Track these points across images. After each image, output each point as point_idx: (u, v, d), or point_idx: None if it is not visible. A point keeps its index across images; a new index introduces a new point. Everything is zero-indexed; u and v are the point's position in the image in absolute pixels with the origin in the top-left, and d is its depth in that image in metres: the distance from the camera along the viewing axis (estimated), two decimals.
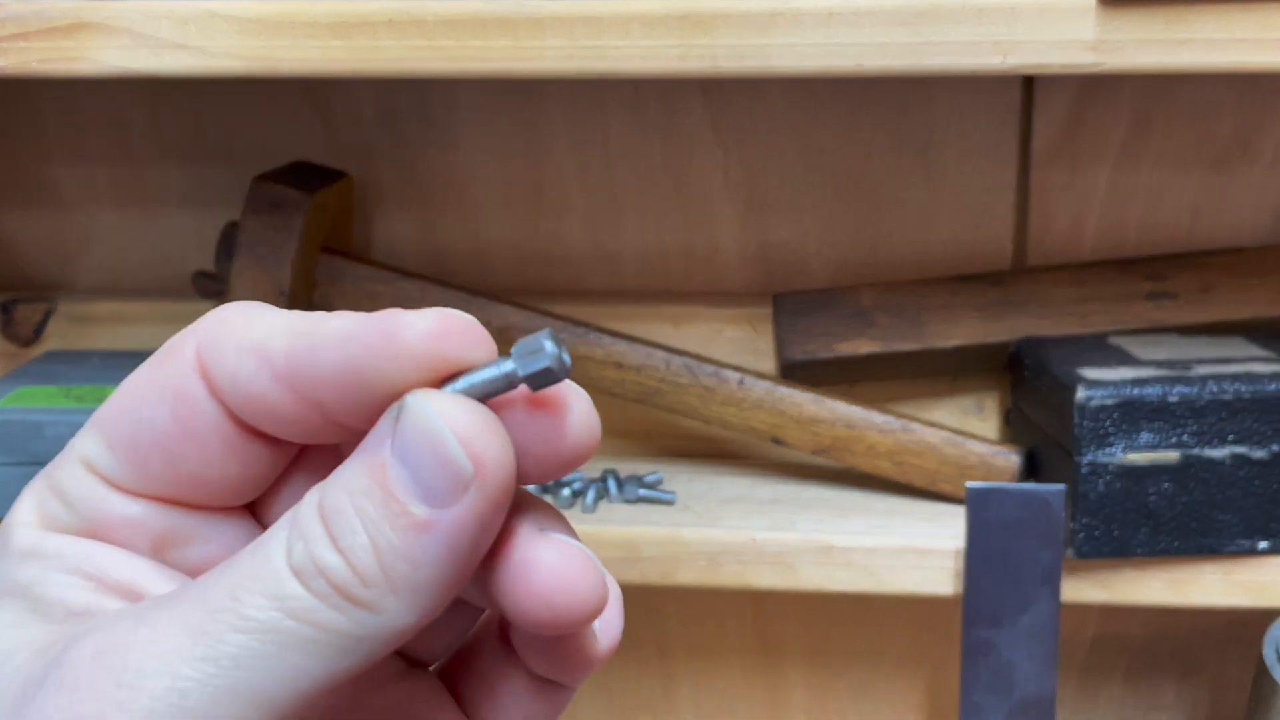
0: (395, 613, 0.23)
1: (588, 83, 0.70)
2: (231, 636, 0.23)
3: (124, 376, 0.75)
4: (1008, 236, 0.70)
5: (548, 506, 0.26)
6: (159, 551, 0.27)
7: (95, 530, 0.27)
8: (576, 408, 0.25)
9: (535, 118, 0.71)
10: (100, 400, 0.64)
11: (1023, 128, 0.69)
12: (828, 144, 0.70)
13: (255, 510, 0.28)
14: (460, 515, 0.23)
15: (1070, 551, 0.59)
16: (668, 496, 0.66)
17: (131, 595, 0.26)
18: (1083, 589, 0.61)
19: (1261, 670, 0.59)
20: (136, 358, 0.71)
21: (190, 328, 0.26)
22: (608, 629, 0.28)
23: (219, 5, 0.55)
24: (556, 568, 0.25)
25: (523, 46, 0.54)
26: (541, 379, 0.24)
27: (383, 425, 0.24)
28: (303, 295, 0.67)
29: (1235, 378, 0.58)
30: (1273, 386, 0.58)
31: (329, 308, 0.68)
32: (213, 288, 0.69)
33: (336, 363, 0.24)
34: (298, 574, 0.23)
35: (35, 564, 0.26)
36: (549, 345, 0.24)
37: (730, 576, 0.63)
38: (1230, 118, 0.68)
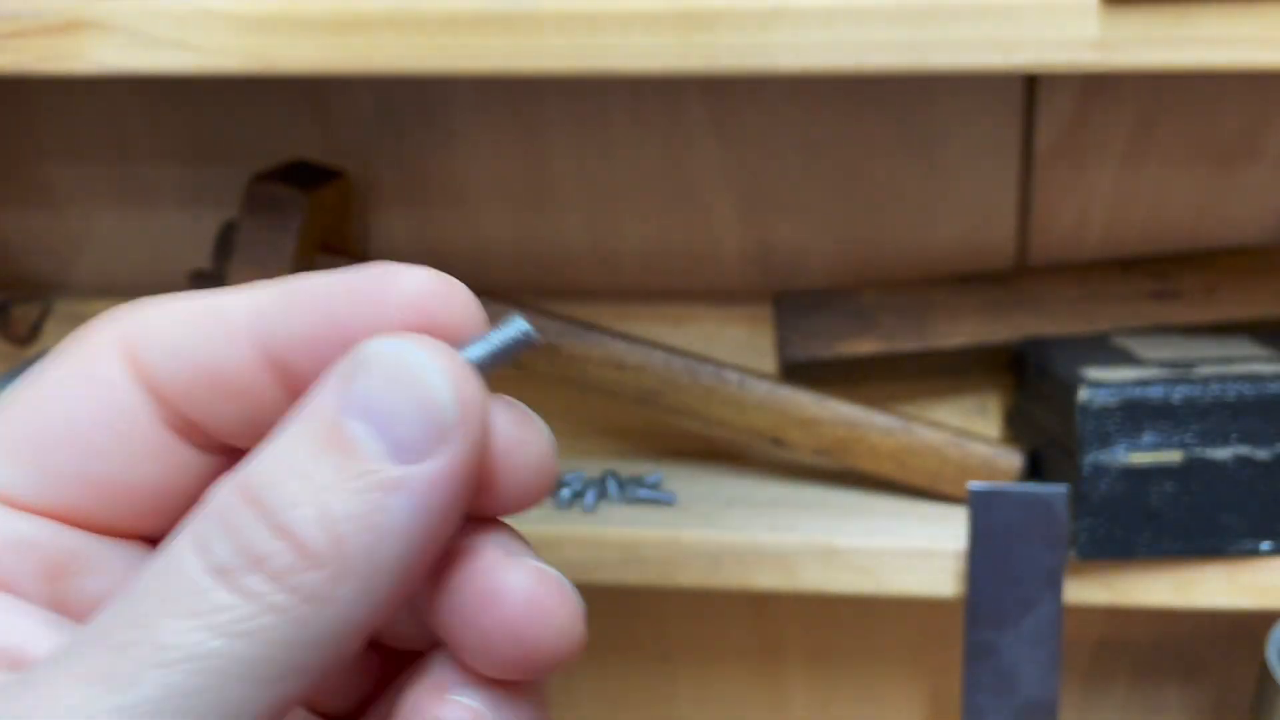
0: (351, 602, 0.19)
1: (587, 81, 0.70)
2: (150, 675, 0.19)
3: None
4: (1010, 236, 0.70)
5: (510, 528, 0.23)
6: (52, 580, 0.23)
7: None
8: (541, 433, 0.22)
9: (534, 116, 0.71)
10: None
11: (1025, 126, 0.69)
12: (829, 143, 0.70)
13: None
14: (437, 470, 0.20)
15: (1073, 553, 0.59)
16: (668, 497, 0.66)
17: (15, 663, 0.21)
18: (1086, 590, 0.61)
19: (1265, 672, 0.59)
20: None
21: (101, 318, 0.23)
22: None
23: (216, 4, 0.55)
24: (530, 596, 0.21)
25: (522, 45, 0.54)
26: (517, 344, 0.22)
27: (325, 384, 0.21)
28: None
29: (1239, 378, 0.58)
30: (1276, 387, 0.58)
31: None
32: (210, 287, 0.69)
33: (319, 313, 0.22)
34: (222, 575, 0.19)
35: None
36: (519, 318, 0.23)
37: (731, 578, 0.63)
38: (1234, 116, 0.67)
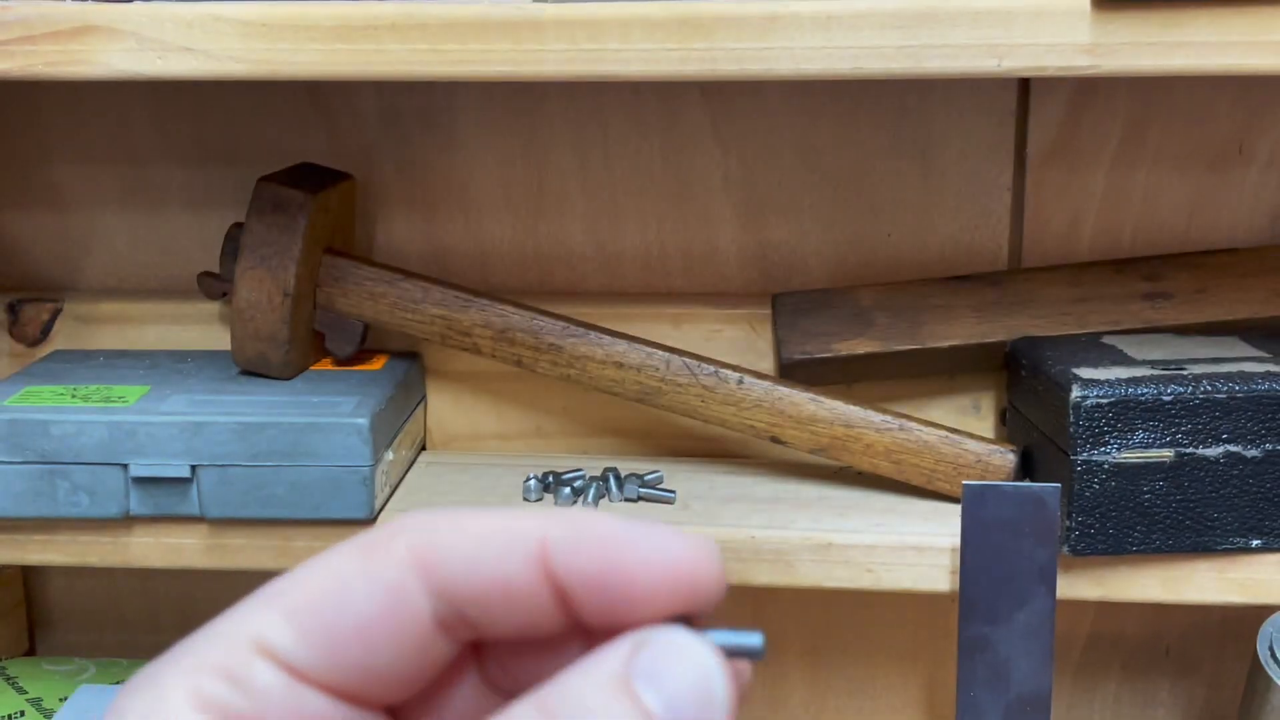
0: None
1: (588, 85, 0.70)
2: None
3: (130, 376, 0.74)
4: (1004, 237, 0.71)
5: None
6: None
7: None
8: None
9: (536, 120, 0.72)
10: (107, 400, 0.65)
11: (1019, 129, 0.69)
12: (826, 145, 0.70)
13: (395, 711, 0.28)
14: None
15: (1065, 549, 0.59)
16: (667, 495, 0.67)
17: None
18: (1078, 586, 0.61)
19: (1255, 666, 0.59)
20: (142, 357, 0.72)
21: (391, 526, 0.27)
22: None
23: (223, 8, 0.55)
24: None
25: (524, 49, 0.55)
26: (749, 654, 0.26)
27: (617, 648, 0.25)
28: (306, 295, 0.67)
29: (1228, 377, 0.58)
30: (1265, 386, 0.58)
31: (332, 308, 0.68)
32: (218, 288, 0.70)
33: (602, 556, 0.26)
34: None
35: None
36: (758, 640, 0.26)
37: (729, 574, 0.62)
38: (1225, 119, 0.68)
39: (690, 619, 0.26)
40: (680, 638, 0.25)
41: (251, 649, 0.25)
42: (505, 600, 0.26)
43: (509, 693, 0.28)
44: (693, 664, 0.24)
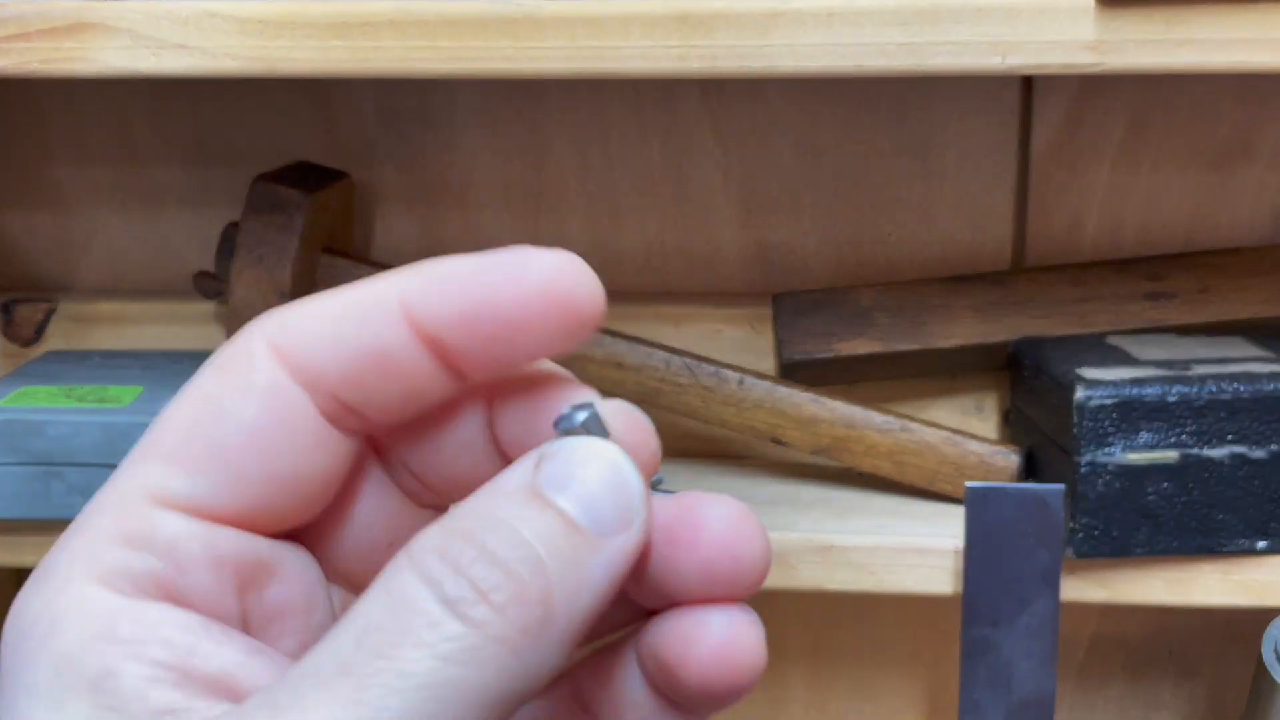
0: (555, 640, 0.22)
1: (588, 83, 0.70)
2: (392, 701, 0.21)
3: (125, 376, 0.74)
4: (1007, 236, 0.70)
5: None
6: (242, 592, 0.25)
7: (177, 583, 0.24)
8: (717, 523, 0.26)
9: (535, 118, 0.71)
10: (102, 400, 0.64)
11: (1022, 128, 0.69)
12: (827, 144, 0.70)
13: (311, 547, 0.27)
14: (624, 543, 0.23)
15: (1069, 551, 0.59)
16: (668, 496, 0.66)
17: (222, 689, 0.23)
18: (1082, 588, 0.61)
19: (1260, 669, 0.59)
20: (138, 357, 0.72)
21: (242, 332, 0.25)
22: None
23: (219, 5, 0.55)
24: (723, 643, 0.25)
25: (523, 47, 0.54)
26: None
27: (523, 465, 0.24)
28: (303, 295, 0.67)
29: (1234, 377, 0.58)
30: (1271, 386, 0.58)
31: None
32: (214, 288, 0.69)
33: (466, 293, 0.24)
34: (451, 606, 0.21)
35: (106, 650, 0.22)
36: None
37: None
38: (1229, 118, 0.68)
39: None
40: (581, 442, 0.24)
41: (146, 503, 0.24)
42: (381, 371, 0.24)
43: (431, 506, 0.28)
44: (600, 462, 0.24)
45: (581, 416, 0.24)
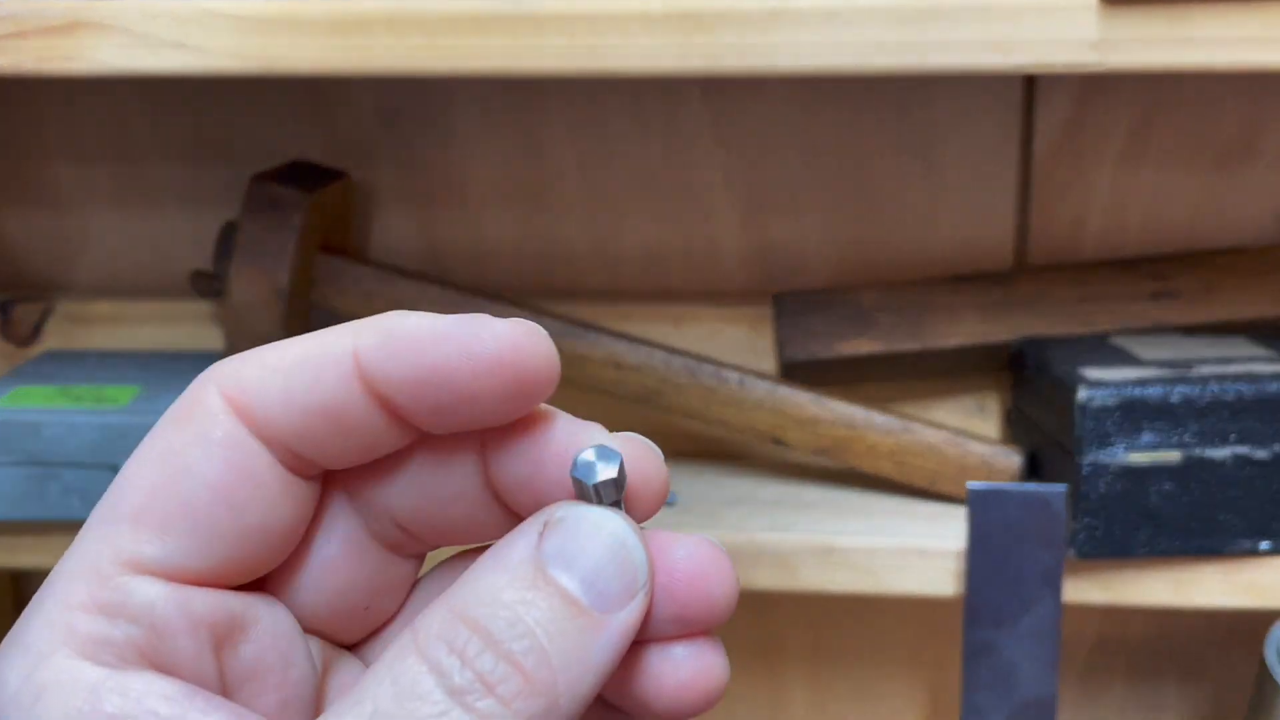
0: (564, 714, 0.23)
1: (587, 82, 0.70)
2: None
3: (122, 376, 0.74)
4: (1009, 236, 0.70)
5: None
6: (217, 651, 0.25)
7: (157, 650, 0.23)
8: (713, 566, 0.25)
9: (535, 117, 0.71)
10: (99, 401, 0.64)
11: (1024, 127, 0.69)
12: (828, 143, 0.70)
13: (285, 600, 0.27)
14: (627, 618, 0.24)
15: (1071, 552, 0.59)
16: (669, 497, 0.66)
17: None
18: (1084, 590, 0.61)
19: (1263, 671, 0.59)
20: (134, 357, 0.71)
21: (196, 382, 0.25)
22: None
23: (217, 4, 0.55)
24: (691, 676, 0.25)
25: (522, 45, 0.54)
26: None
27: (523, 536, 0.24)
28: (301, 295, 0.67)
29: (1237, 378, 0.58)
30: (1274, 387, 0.58)
31: (327, 307, 0.68)
32: (211, 287, 0.69)
33: (419, 357, 0.24)
34: (458, 696, 0.22)
35: None
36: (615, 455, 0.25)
37: None
38: (1233, 117, 0.68)
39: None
40: (588, 512, 0.24)
41: (118, 570, 0.24)
42: (334, 427, 0.25)
43: (415, 555, 0.28)
44: (604, 535, 0.24)
45: (601, 467, 0.25)
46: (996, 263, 0.70)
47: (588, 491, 0.25)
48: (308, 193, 0.66)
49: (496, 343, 0.24)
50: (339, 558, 0.27)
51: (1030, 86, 0.68)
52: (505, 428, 0.26)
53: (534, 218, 0.73)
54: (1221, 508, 0.58)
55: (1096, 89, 0.68)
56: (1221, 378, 0.58)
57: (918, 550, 0.62)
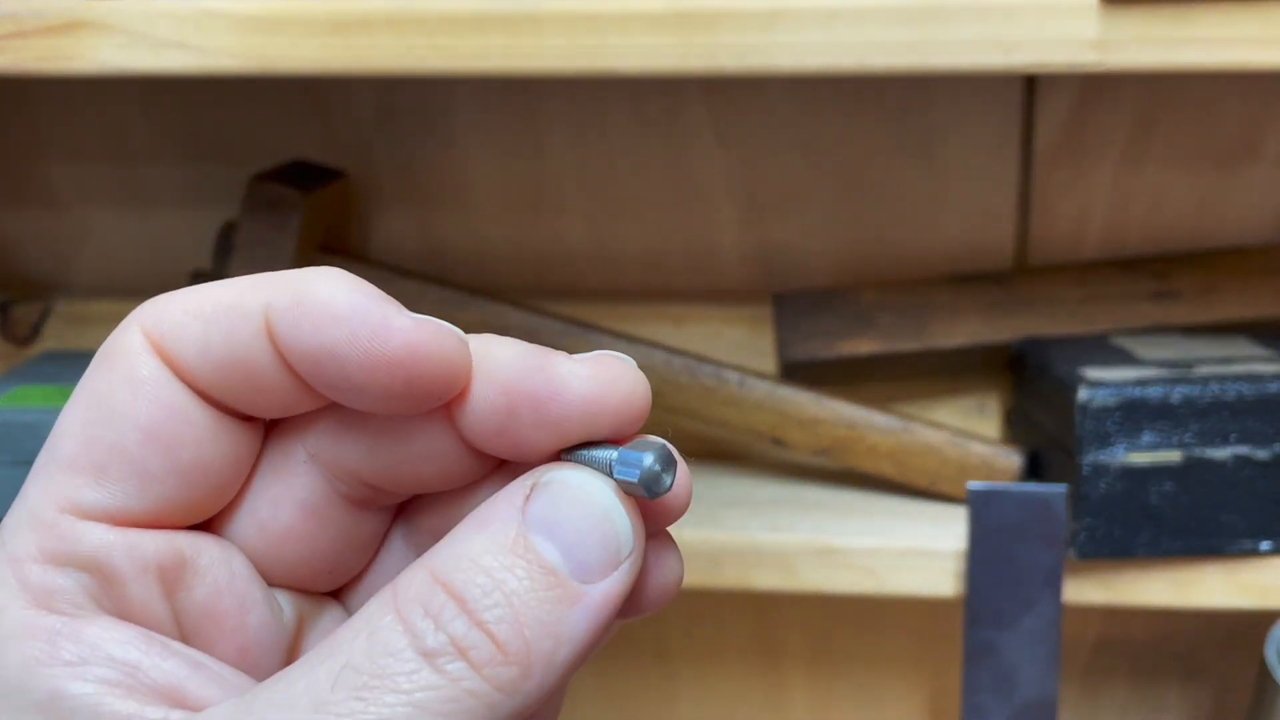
0: (531, 694, 0.22)
1: (587, 81, 0.70)
2: None
3: None
4: (1010, 236, 0.70)
5: None
6: (169, 594, 0.24)
7: (109, 594, 0.24)
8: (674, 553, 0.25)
9: (534, 116, 0.71)
10: None
11: (1025, 127, 0.69)
12: (829, 143, 0.70)
13: (221, 532, 0.26)
14: (608, 589, 0.23)
15: (1072, 552, 0.59)
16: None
17: (173, 700, 0.23)
18: (1085, 590, 0.61)
19: (1264, 672, 0.59)
20: None
21: (127, 319, 0.25)
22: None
23: (216, 4, 0.55)
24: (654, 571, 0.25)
25: (522, 45, 0.54)
26: (633, 488, 0.24)
27: (508, 498, 0.23)
28: None
29: (1238, 378, 0.58)
30: (1275, 387, 0.58)
31: None
32: None
33: (325, 329, 0.24)
34: (429, 658, 0.22)
35: (51, 673, 0.22)
36: (650, 458, 0.24)
37: (731, 577, 0.63)
38: (1234, 116, 0.67)
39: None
40: (574, 478, 0.24)
41: (62, 518, 0.24)
42: (249, 382, 0.24)
43: (367, 499, 0.27)
44: (590, 503, 0.23)
45: (647, 459, 0.24)
46: (997, 263, 0.70)
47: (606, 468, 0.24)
48: (306, 192, 0.65)
49: (389, 343, 0.23)
50: (298, 516, 0.26)
51: (1031, 86, 0.68)
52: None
53: (534, 217, 0.72)
54: (1222, 508, 0.58)
55: (1097, 89, 0.68)
56: (1222, 378, 0.58)
57: (918, 551, 0.61)
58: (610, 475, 0.24)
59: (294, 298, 0.24)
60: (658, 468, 0.24)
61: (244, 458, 0.25)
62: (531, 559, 0.23)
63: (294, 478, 0.26)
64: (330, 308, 0.24)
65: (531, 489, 0.23)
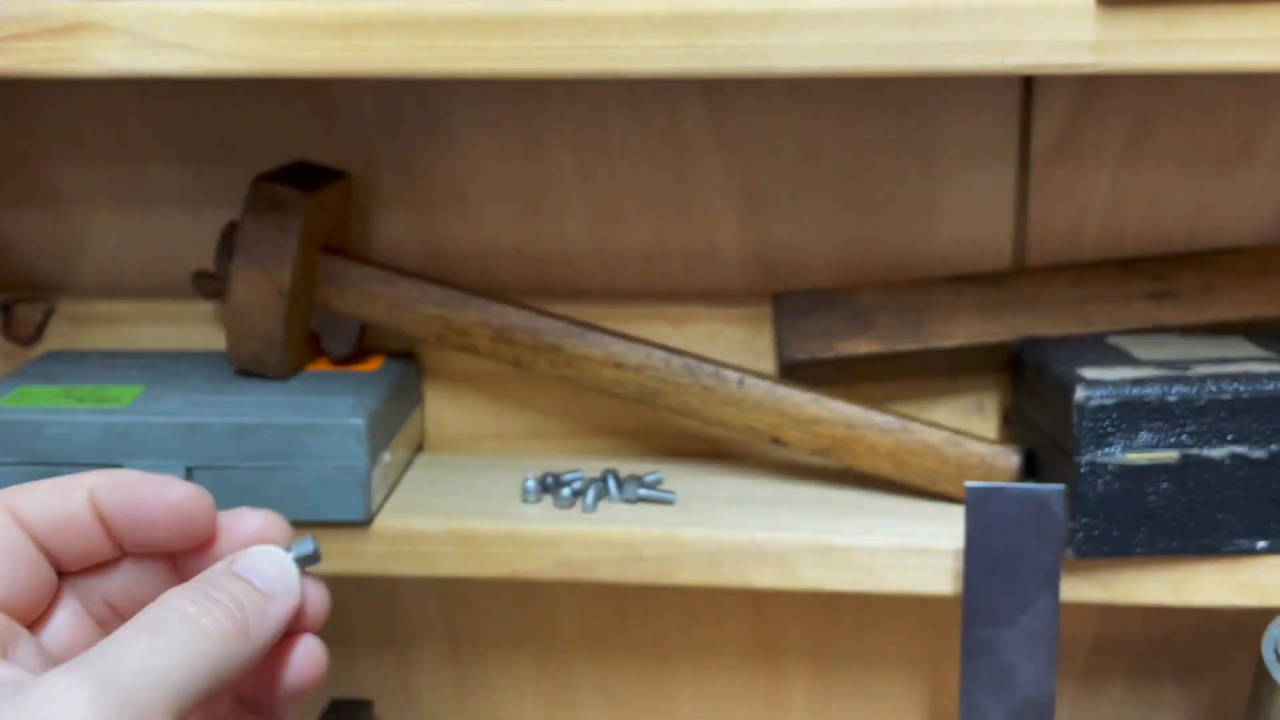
0: (249, 649, 0.39)
1: (588, 82, 0.70)
2: (147, 658, 0.36)
3: (124, 376, 0.74)
4: (1008, 236, 0.70)
5: None
6: (4, 650, 0.39)
7: None
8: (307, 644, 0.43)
9: (535, 118, 0.71)
10: (101, 400, 0.64)
11: (1023, 128, 0.69)
12: (828, 144, 0.70)
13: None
14: (284, 603, 0.41)
15: (1070, 551, 0.59)
16: (668, 496, 0.66)
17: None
18: (1082, 589, 0.61)
19: (1261, 670, 0.59)
20: (136, 357, 0.71)
21: None
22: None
23: (218, 5, 0.55)
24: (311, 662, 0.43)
25: (523, 46, 0.54)
26: (308, 560, 0.43)
27: (224, 561, 0.41)
28: (302, 295, 0.67)
29: (1234, 378, 0.58)
30: (1271, 386, 0.58)
31: (328, 307, 0.68)
32: (213, 287, 0.69)
33: (128, 498, 0.42)
34: (194, 617, 0.38)
35: None
36: (310, 542, 0.43)
37: (730, 576, 0.63)
38: (1231, 117, 0.68)
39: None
40: (263, 549, 0.42)
41: None
42: (72, 532, 0.41)
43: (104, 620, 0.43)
44: (274, 559, 0.41)
45: (306, 546, 0.43)
46: (995, 263, 0.70)
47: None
48: (308, 193, 0.66)
49: (176, 495, 0.42)
50: (67, 631, 0.43)
51: (1029, 87, 0.68)
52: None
53: (534, 218, 0.73)
54: (1219, 507, 0.58)
55: (1095, 90, 0.68)
56: (1219, 377, 0.58)
57: (917, 549, 0.62)
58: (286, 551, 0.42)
59: (111, 476, 0.42)
60: (314, 545, 0.42)
61: (49, 590, 0.42)
62: (244, 581, 0.40)
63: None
64: (136, 477, 0.42)
65: (235, 558, 0.41)
